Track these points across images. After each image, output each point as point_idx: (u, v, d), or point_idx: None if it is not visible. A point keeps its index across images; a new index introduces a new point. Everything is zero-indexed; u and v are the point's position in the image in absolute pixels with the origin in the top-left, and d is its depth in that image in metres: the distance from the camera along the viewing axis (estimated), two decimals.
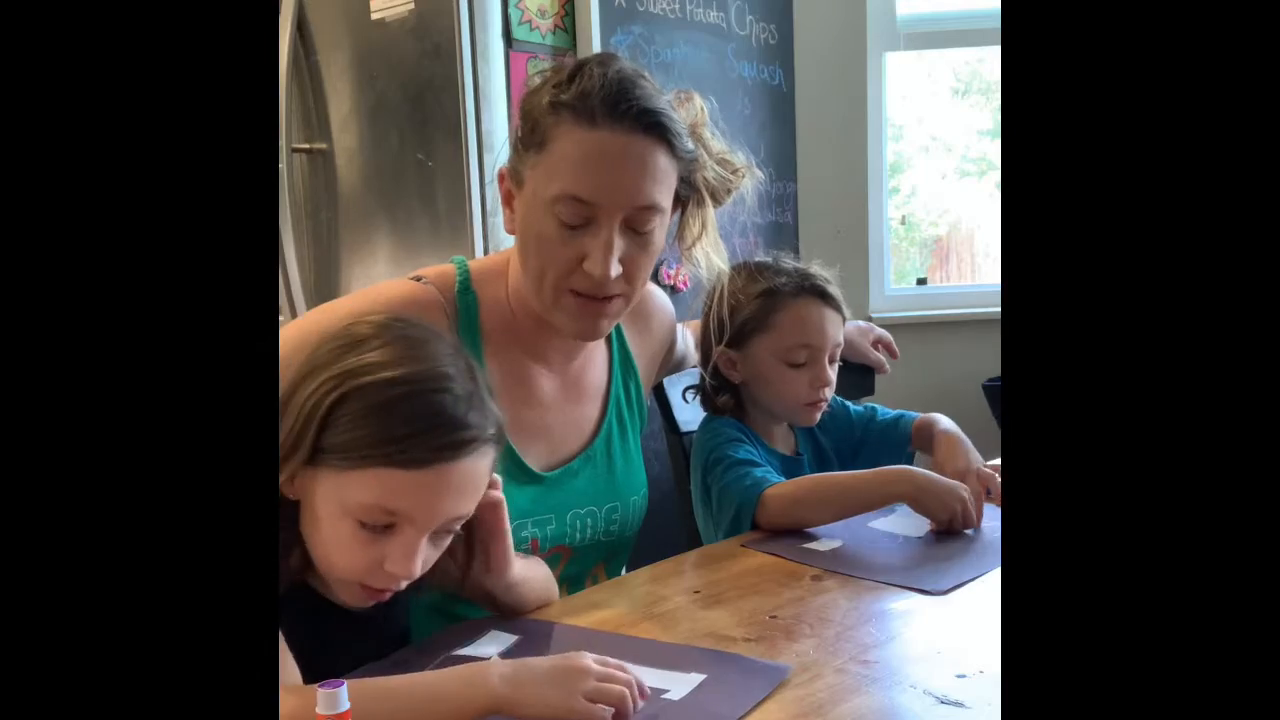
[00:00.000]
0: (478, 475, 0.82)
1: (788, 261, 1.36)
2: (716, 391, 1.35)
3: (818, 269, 1.35)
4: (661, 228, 1.08)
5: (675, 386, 1.45)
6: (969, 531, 1.16)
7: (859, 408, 1.47)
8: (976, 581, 1.01)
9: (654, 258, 1.09)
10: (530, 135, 1.05)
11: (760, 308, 1.31)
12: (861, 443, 1.44)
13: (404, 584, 0.83)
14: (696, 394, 1.39)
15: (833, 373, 1.34)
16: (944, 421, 1.39)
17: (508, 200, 1.10)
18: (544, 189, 1.03)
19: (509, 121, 1.97)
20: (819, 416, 1.35)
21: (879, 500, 1.21)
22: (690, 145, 1.09)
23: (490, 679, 0.73)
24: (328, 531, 0.81)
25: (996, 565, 1.04)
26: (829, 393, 1.34)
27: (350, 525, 0.80)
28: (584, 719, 0.71)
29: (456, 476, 0.80)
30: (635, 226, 1.05)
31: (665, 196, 1.06)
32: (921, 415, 1.42)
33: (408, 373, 0.80)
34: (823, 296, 1.33)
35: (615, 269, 1.03)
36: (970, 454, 1.29)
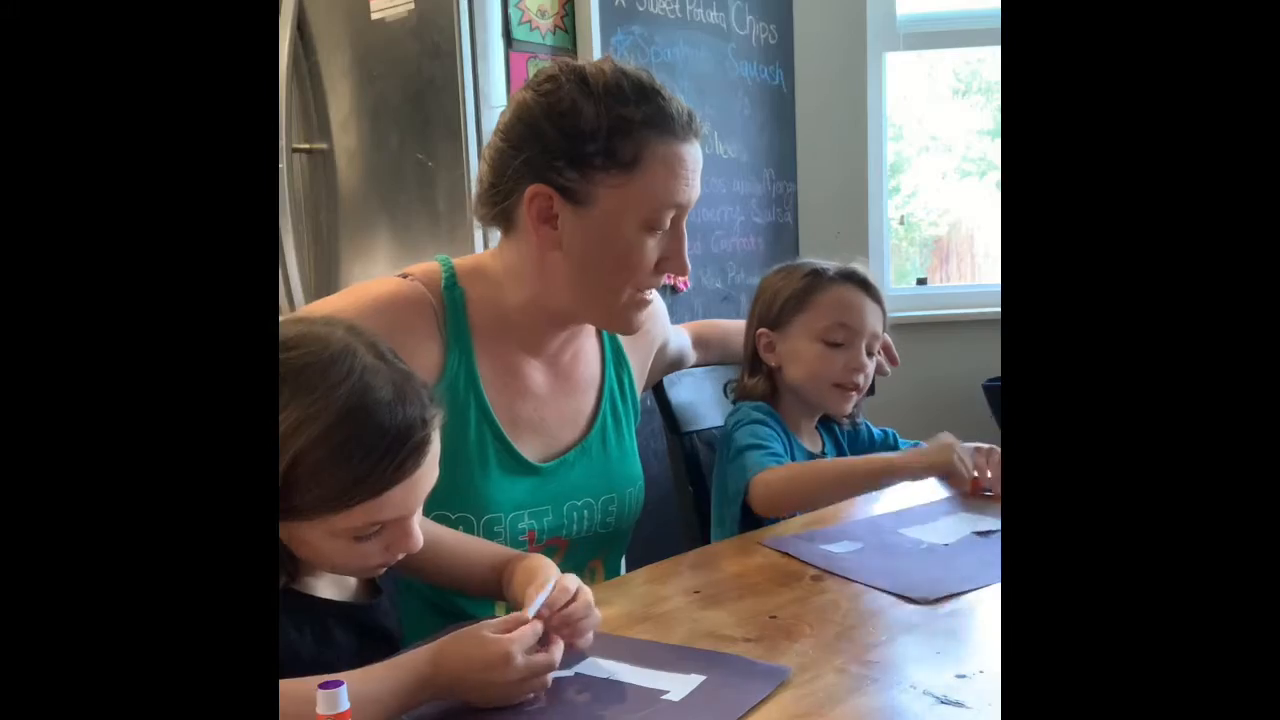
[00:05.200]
0: (437, 450, 0.84)
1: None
2: (751, 374, 1.38)
3: (862, 267, 1.40)
4: None
5: (675, 386, 1.45)
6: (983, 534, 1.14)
7: (879, 432, 1.49)
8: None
9: None
10: (609, 155, 1.05)
11: (803, 288, 1.36)
12: None
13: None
14: (734, 387, 1.42)
15: (871, 366, 1.36)
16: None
17: (548, 219, 1.08)
18: (639, 205, 1.07)
19: None
20: (850, 406, 1.38)
21: (905, 471, 1.23)
22: None
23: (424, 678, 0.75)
24: (320, 547, 0.82)
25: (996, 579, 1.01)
26: (864, 381, 1.36)
27: (344, 540, 0.81)
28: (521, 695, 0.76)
29: (426, 470, 0.82)
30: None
31: None
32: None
33: (331, 417, 0.76)
34: (865, 286, 1.37)
35: None
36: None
